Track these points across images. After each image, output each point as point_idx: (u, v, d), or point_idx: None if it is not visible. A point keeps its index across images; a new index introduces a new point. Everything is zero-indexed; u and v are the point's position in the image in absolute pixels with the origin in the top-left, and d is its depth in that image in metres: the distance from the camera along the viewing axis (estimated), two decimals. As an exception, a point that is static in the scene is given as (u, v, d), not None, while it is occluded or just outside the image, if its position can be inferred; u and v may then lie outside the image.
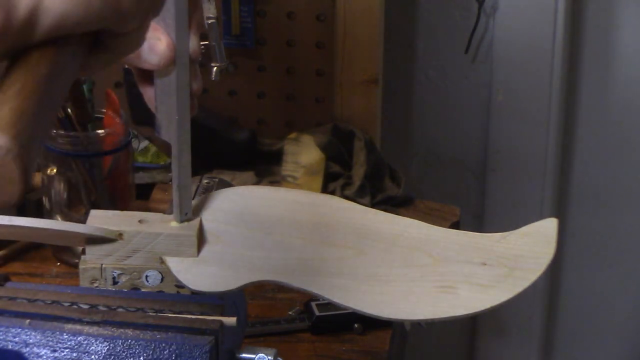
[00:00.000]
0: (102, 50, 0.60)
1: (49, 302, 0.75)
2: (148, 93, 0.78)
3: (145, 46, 0.71)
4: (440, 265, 0.80)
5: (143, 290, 0.80)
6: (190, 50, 0.75)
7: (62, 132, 1.22)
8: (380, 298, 0.78)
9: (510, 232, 0.83)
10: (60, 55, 0.56)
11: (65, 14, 0.54)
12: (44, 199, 1.26)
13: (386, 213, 0.85)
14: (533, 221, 0.84)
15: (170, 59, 0.73)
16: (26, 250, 1.27)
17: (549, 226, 0.83)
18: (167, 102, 0.76)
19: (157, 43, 0.72)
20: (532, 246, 0.82)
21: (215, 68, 1.37)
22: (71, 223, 0.78)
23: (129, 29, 0.59)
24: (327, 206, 0.84)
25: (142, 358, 0.71)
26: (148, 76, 0.77)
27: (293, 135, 1.46)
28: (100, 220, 0.79)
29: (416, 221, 0.84)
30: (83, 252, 0.80)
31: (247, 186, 0.90)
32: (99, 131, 1.24)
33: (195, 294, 0.78)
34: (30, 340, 0.71)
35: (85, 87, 1.25)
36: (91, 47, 0.59)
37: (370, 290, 0.78)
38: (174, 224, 0.79)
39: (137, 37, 0.61)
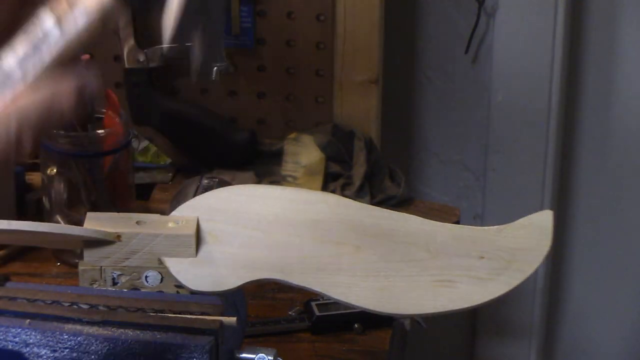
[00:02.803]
0: None
1: (49, 302, 0.75)
2: None
3: None
4: (439, 260, 0.80)
5: (143, 290, 0.80)
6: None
7: (62, 132, 1.22)
8: (380, 294, 0.78)
9: (507, 225, 0.83)
10: None
11: None
12: (44, 199, 1.26)
13: (383, 209, 0.85)
14: (533, 221, 0.85)
15: None
16: (26, 250, 1.27)
17: (545, 218, 0.84)
18: None
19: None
20: (528, 238, 0.82)
21: (215, 68, 1.37)
22: (69, 226, 0.78)
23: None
24: (324, 203, 0.84)
25: (142, 358, 0.71)
26: None
27: (293, 135, 1.46)
28: (97, 222, 0.79)
29: (412, 216, 0.84)
30: (81, 253, 0.80)
31: (243, 185, 0.90)
32: (99, 131, 1.24)
33: (195, 294, 0.78)
34: (30, 340, 0.71)
35: (85, 87, 1.25)
36: None
37: (369, 286, 0.78)
38: (171, 224, 0.79)
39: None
